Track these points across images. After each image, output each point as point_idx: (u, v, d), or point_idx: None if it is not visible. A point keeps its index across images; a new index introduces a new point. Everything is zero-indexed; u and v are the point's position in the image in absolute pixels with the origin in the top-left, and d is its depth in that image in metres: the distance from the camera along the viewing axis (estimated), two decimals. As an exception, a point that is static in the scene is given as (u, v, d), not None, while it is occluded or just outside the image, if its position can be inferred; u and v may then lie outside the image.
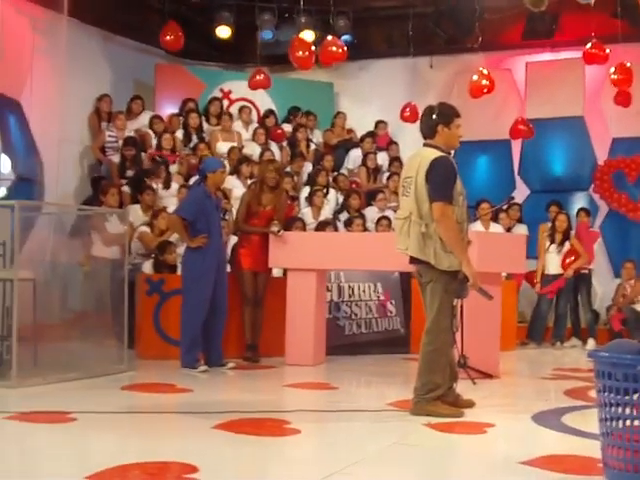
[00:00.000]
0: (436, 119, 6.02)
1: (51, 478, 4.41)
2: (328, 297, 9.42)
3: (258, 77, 12.79)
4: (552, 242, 11.35)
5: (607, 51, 11.73)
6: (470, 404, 6.30)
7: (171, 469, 4.43)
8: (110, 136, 11.81)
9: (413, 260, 6.02)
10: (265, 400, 6.76)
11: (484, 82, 12.39)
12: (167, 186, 11.07)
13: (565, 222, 11.38)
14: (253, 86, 12.96)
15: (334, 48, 12.21)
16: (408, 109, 12.95)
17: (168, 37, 12.83)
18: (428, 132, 6.07)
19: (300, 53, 12.02)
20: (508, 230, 11.50)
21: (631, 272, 11.60)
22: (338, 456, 4.88)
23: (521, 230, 11.64)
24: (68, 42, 11.33)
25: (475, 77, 12.42)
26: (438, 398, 5.99)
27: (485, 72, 12.41)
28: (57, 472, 4.53)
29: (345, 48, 12.35)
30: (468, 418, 5.94)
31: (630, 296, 11.43)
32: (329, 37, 12.32)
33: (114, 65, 12.99)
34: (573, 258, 11.26)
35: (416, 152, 6.16)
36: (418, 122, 6.38)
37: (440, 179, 5.83)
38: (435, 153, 5.93)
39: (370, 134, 13.24)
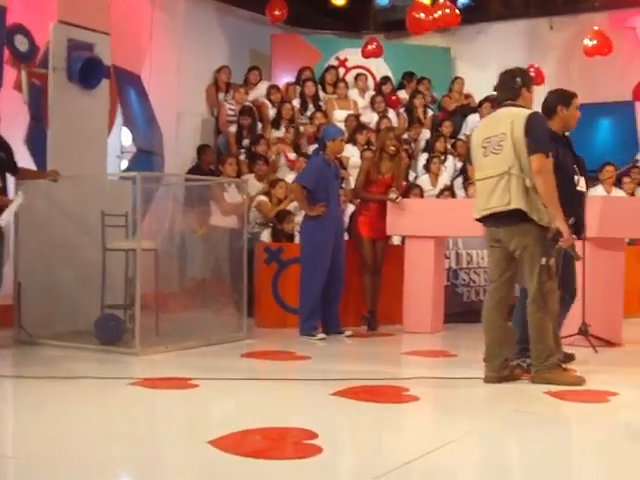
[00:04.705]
0: (555, 100, 6.43)
1: (175, 442, 4.52)
2: (446, 264, 9.35)
3: (370, 46, 12.74)
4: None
5: None
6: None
7: (291, 435, 4.46)
8: (229, 109, 11.93)
9: (499, 222, 5.87)
10: (383, 367, 6.74)
11: (595, 42, 12.05)
12: None
13: None
14: (366, 55, 12.93)
15: (447, 11, 12.06)
16: (528, 72, 12.69)
17: (277, 12, 12.90)
18: (512, 95, 6.00)
19: (421, 15, 11.90)
20: (631, 194, 11.16)
21: None
22: (456, 424, 4.83)
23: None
24: (185, 16, 11.51)
25: (586, 41, 12.09)
26: (559, 365, 5.90)
27: (604, 33, 12.04)
28: (181, 437, 4.63)
29: (457, 11, 12.16)
30: (591, 386, 5.81)
31: None
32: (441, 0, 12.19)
33: (230, 37, 13.11)
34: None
35: (500, 111, 6.04)
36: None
37: (540, 132, 5.82)
38: (528, 110, 5.91)
39: (488, 99, 13.01)
